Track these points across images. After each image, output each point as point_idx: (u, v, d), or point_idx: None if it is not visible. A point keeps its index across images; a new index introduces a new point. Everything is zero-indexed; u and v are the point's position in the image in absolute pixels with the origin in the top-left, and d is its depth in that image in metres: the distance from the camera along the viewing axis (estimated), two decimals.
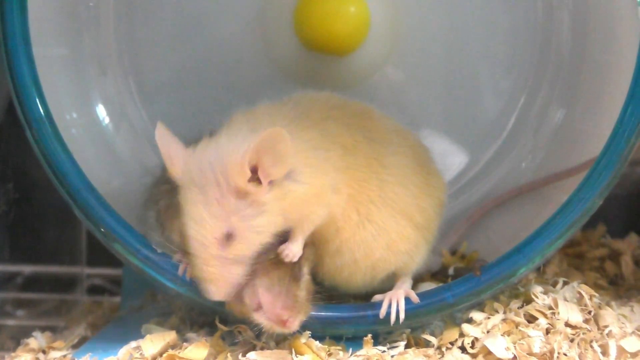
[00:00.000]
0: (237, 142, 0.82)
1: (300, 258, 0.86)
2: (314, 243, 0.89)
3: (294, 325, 0.84)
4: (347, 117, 0.91)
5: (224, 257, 0.81)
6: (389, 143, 0.93)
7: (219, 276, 0.82)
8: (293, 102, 0.91)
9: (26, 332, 1.03)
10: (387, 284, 0.94)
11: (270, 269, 0.84)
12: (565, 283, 0.99)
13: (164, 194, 0.94)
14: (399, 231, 0.91)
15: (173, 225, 0.92)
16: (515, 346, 0.87)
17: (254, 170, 0.80)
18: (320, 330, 0.89)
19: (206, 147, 0.83)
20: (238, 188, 0.80)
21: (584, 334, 0.90)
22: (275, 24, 1.11)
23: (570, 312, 0.92)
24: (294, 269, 0.86)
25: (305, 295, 0.86)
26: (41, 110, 0.90)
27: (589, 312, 0.93)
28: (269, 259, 0.84)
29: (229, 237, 0.81)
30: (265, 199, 0.81)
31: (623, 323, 0.93)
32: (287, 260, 0.84)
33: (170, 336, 0.90)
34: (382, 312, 0.90)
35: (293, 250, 0.84)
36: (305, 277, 0.87)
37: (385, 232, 0.90)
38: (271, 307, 0.84)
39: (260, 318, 0.84)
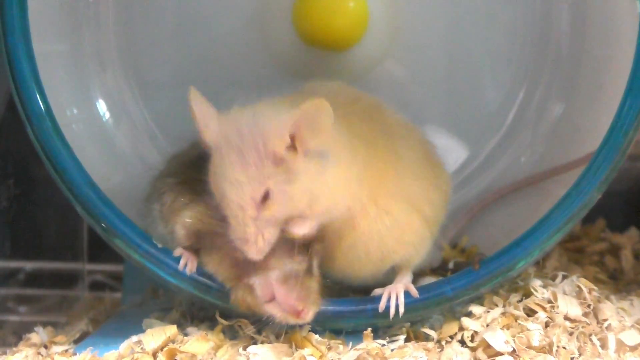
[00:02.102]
0: (276, 109, 0.83)
1: (313, 252, 0.87)
2: (324, 240, 0.89)
3: (308, 316, 0.85)
4: (365, 109, 0.92)
5: (260, 219, 0.82)
6: (401, 136, 0.93)
7: (257, 236, 0.82)
8: (319, 95, 0.91)
9: (28, 328, 1.04)
10: (390, 278, 0.95)
11: (283, 262, 0.85)
12: (564, 277, 0.99)
13: (169, 187, 0.95)
14: (410, 223, 0.91)
15: (178, 219, 0.92)
16: (514, 339, 0.87)
17: (292, 139, 0.81)
18: (320, 324, 0.89)
19: (243, 112, 0.84)
20: (275, 154, 0.81)
21: (583, 327, 0.90)
22: (274, 19, 1.11)
23: (569, 306, 0.92)
24: (307, 262, 0.86)
25: (317, 288, 0.87)
26: (41, 106, 0.90)
27: (588, 306, 0.93)
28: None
29: (264, 199, 0.81)
30: (299, 168, 0.82)
31: (622, 316, 0.93)
32: (293, 233, 0.84)
33: (171, 330, 0.90)
34: (382, 306, 0.90)
35: (302, 227, 0.84)
36: (317, 271, 0.88)
37: (398, 224, 0.90)
38: (286, 298, 0.84)
39: (273, 310, 0.85)
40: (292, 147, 0.82)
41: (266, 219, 0.82)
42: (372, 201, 0.88)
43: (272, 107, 0.84)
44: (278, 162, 0.81)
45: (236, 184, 0.82)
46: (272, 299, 0.85)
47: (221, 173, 0.83)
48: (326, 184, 0.84)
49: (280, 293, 0.85)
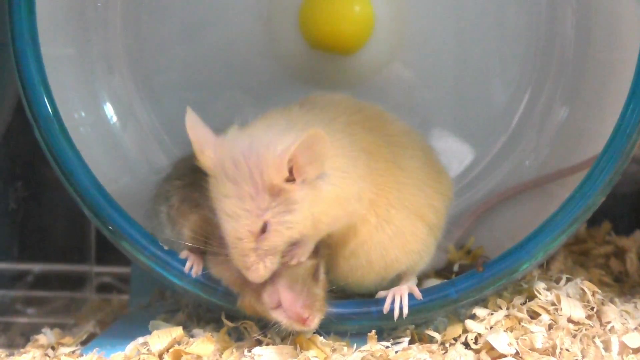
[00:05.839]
0: (272, 136, 0.82)
1: (320, 259, 0.87)
2: (329, 245, 0.89)
3: (314, 323, 0.85)
4: (367, 120, 0.92)
5: (260, 248, 0.82)
6: (403, 145, 0.93)
7: (257, 264, 0.82)
8: (319, 106, 0.90)
9: (36, 330, 1.04)
10: (394, 282, 0.95)
11: (290, 268, 0.85)
12: (568, 280, 0.99)
13: (176, 189, 0.95)
14: (414, 232, 0.92)
15: (185, 221, 0.93)
16: (518, 342, 0.87)
17: (290, 170, 0.80)
18: (325, 326, 0.89)
19: (239, 137, 0.83)
20: (273, 186, 0.80)
21: (586, 329, 0.90)
22: (281, 23, 1.12)
23: (572, 308, 0.92)
24: (313, 269, 0.87)
25: (323, 294, 0.88)
26: (49, 109, 0.91)
27: (592, 308, 0.94)
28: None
29: (262, 231, 0.81)
30: (298, 197, 0.81)
31: (626, 319, 0.94)
32: (292, 263, 0.85)
33: (177, 332, 0.90)
34: (386, 308, 0.91)
35: (299, 255, 0.85)
36: (323, 276, 0.88)
37: (401, 233, 0.91)
38: (292, 305, 0.85)
39: (279, 316, 0.85)
40: (290, 177, 0.81)
41: (265, 249, 0.82)
42: (371, 212, 0.89)
43: (268, 132, 0.82)
44: (276, 193, 0.81)
45: (233, 217, 0.81)
46: (278, 305, 0.85)
47: (218, 202, 0.82)
48: (326, 205, 0.83)
49: (287, 300, 0.85)
